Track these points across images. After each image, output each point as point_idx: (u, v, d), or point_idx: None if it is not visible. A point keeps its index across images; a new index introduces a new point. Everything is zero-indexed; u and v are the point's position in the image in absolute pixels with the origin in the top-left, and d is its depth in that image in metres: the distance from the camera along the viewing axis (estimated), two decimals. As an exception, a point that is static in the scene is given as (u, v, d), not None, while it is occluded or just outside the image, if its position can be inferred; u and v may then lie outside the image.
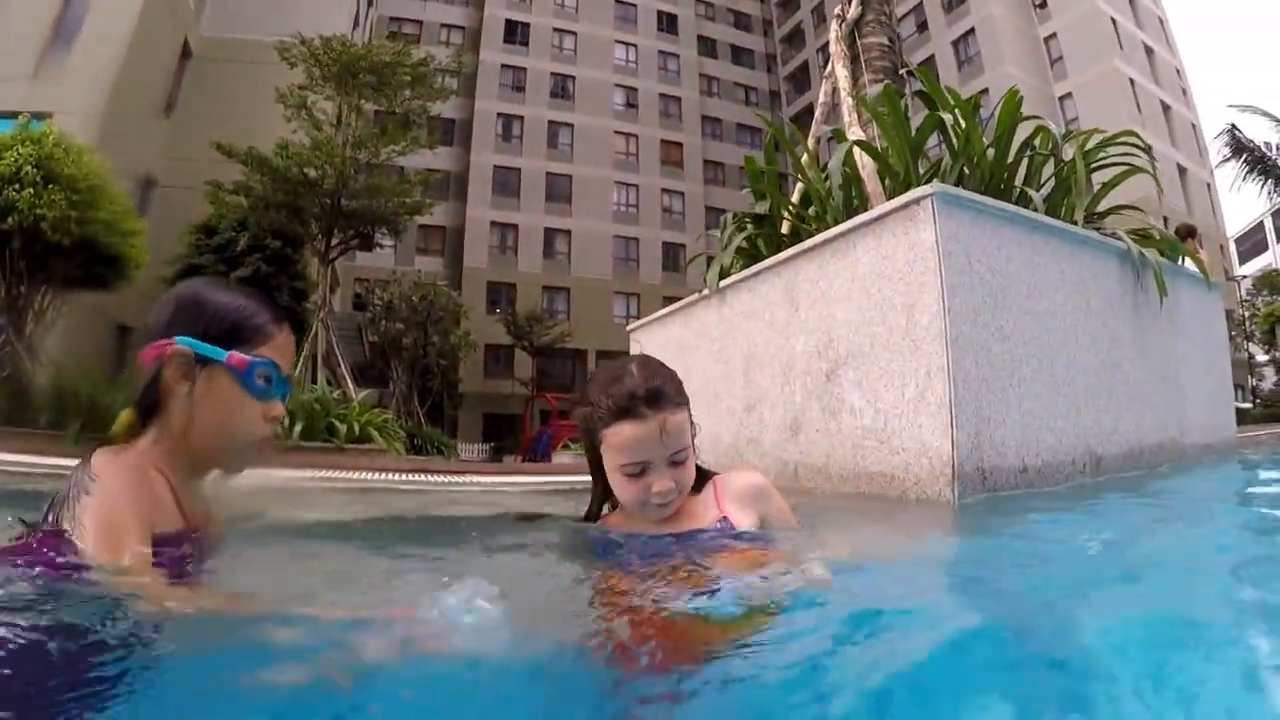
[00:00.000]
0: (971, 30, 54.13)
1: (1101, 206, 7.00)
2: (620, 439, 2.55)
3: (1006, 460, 4.75)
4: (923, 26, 57.83)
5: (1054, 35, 52.31)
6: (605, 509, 2.91)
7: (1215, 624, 1.94)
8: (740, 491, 2.73)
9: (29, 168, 20.69)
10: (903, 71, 9.34)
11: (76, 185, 21.20)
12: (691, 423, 2.67)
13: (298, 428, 15.86)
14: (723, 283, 7.40)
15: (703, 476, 2.75)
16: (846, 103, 8.50)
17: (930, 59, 55.65)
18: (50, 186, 20.73)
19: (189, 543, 2.13)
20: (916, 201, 5.01)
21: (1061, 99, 50.71)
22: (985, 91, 47.72)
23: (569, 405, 49.52)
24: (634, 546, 2.56)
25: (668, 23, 73.09)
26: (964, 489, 4.48)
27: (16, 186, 20.45)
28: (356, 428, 17.97)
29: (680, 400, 2.63)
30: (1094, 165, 6.94)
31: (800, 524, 2.90)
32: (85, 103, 29.47)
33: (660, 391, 2.59)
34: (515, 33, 68.17)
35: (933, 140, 6.80)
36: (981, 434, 4.67)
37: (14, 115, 25.96)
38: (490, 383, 55.75)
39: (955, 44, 55.32)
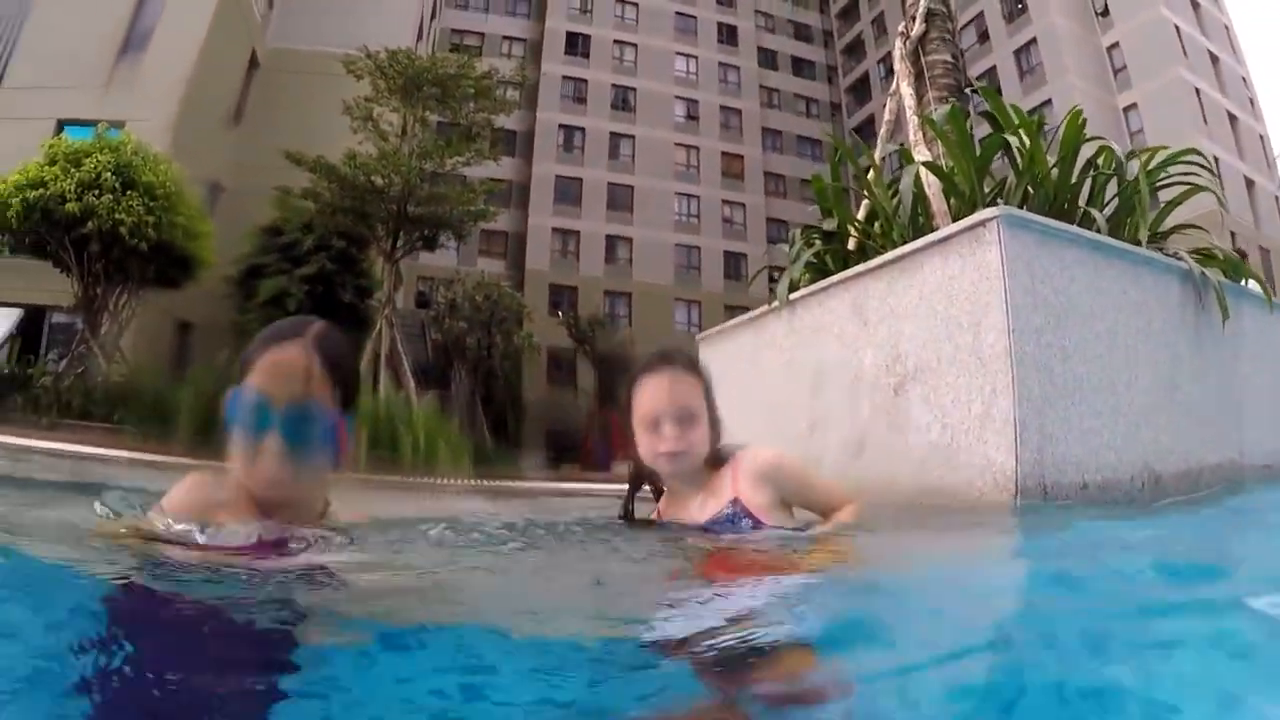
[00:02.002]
0: (1033, 40, 53.47)
1: (1165, 225, 7.04)
2: (638, 393, 3.07)
3: (1068, 477, 4.84)
4: (984, 37, 57.25)
5: (1116, 44, 51.42)
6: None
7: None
8: (754, 470, 3.04)
9: (108, 174, 21.22)
10: (968, 90, 9.41)
11: (154, 192, 21.70)
12: (709, 397, 3.11)
13: (363, 437, 15.96)
14: (792, 296, 7.52)
15: (725, 454, 3.12)
16: (912, 121, 8.58)
17: (992, 70, 55.12)
18: (129, 193, 21.25)
19: (260, 539, 2.29)
20: (983, 223, 5.14)
21: (1125, 110, 49.82)
22: (1048, 103, 47.67)
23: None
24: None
25: (728, 34, 73.02)
26: (1025, 503, 4.59)
27: (96, 192, 20.98)
28: (421, 440, 18.08)
29: (691, 369, 3.13)
30: (1157, 184, 7.01)
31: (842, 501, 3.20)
32: (157, 112, 30.11)
33: (671, 355, 3.18)
34: (576, 45, 68.41)
35: (997, 157, 6.90)
36: (1044, 451, 4.77)
37: (90, 123, 26.62)
38: (552, 390, 55.84)
39: (1017, 54, 54.70)
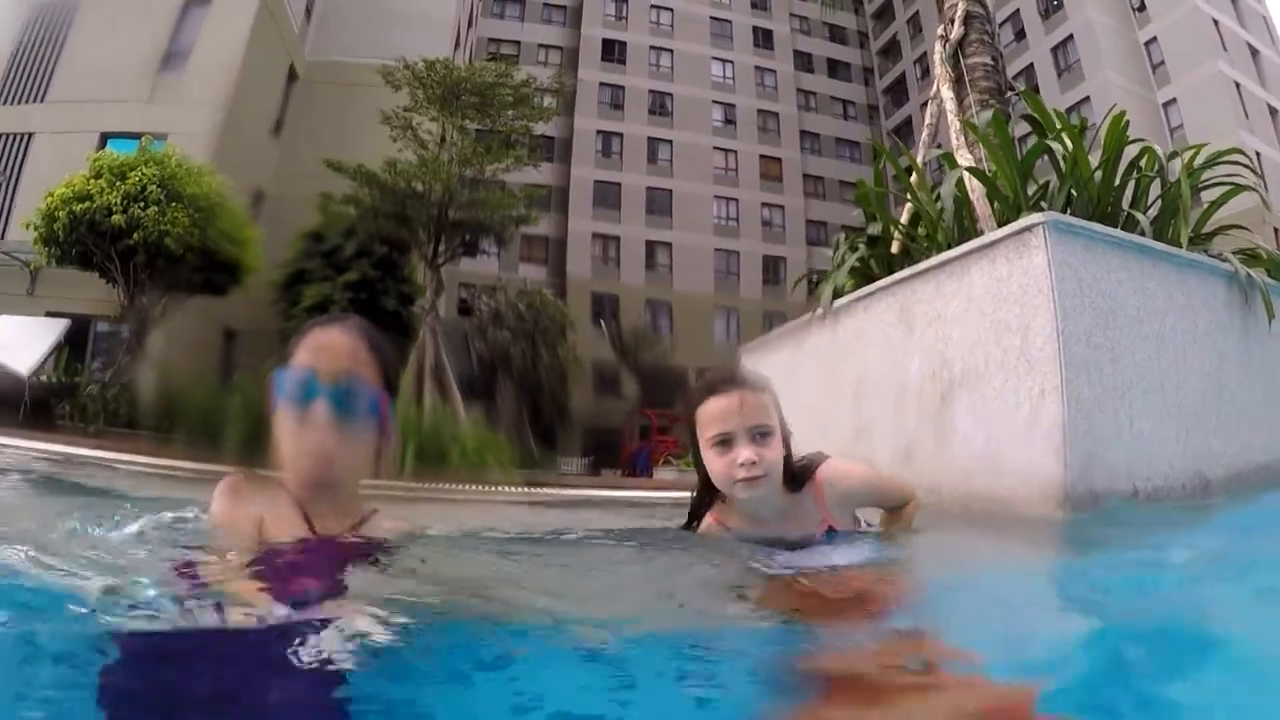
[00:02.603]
0: (1070, 37, 52.85)
1: (1209, 226, 7.03)
2: (707, 414, 2.88)
3: (1118, 483, 4.84)
4: (1020, 35, 56.72)
5: (1154, 39, 50.67)
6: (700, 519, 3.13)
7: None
8: (840, 493, 3.02)
9: (153, 187, 21.46)
10: (1009, 94, 9.40)
11: (199, 203, 21.97)
12: (779, 414, 2.94)
13: (409, 450, 15.95)
14: (836, 303, 7.55)
15: (805, 474, 2.99)
16: (953, 125, 8.58)
17: (1029, 68, 54.67)
18: (173, 204, 21.49)
19: (308, 546, 2.32)
20: (1029, 228, 5.16)
21: (1165, 105, 49.17)
22: (1086, 100, 47.37)
23: (669, 421, 49.61)
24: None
25: (763, 38, 72.88)
26: (1075, 511, 4.57)
27: (142, 204, 21.22)
28: (470, 455, 18.09)
29: (760, 386, 2.93)
30: (1200, 184, 7.00)
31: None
32: (199, 125, 30.43)
33: (738, 374, 2.97)
34: (613, 51, 68.51)
35: (1039, 159, 6.91)
36: (1094, 456, 4.77)
37: (133, 136, 26.91)
38: (595, 398, 55.89)
39: (1054, 51, 54.09)
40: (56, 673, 1.86)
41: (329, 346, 2.41)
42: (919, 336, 6.16)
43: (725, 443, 2.82)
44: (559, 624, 2.13)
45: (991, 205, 6.84)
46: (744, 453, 2.77)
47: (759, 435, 2.82)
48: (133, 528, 2.57)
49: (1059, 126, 6.89)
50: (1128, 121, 6.58)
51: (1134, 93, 47.81)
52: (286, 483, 2.40)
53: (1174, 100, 48.67)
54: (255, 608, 1.94)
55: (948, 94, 9.05)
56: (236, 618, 1.89)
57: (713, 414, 2.86)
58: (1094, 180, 6.48)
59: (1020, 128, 7.97)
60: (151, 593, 1.94)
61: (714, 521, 3.03)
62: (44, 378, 20.44)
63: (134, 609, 1.88)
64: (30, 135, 31.88)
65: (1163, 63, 49.94)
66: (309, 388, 2.32)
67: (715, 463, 2.85)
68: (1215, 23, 49.46)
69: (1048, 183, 6.95)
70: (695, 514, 3.12)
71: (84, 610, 1.86)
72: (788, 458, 2.94)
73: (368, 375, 2.41)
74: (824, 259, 9.25)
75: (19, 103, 32.88)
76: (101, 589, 1.95)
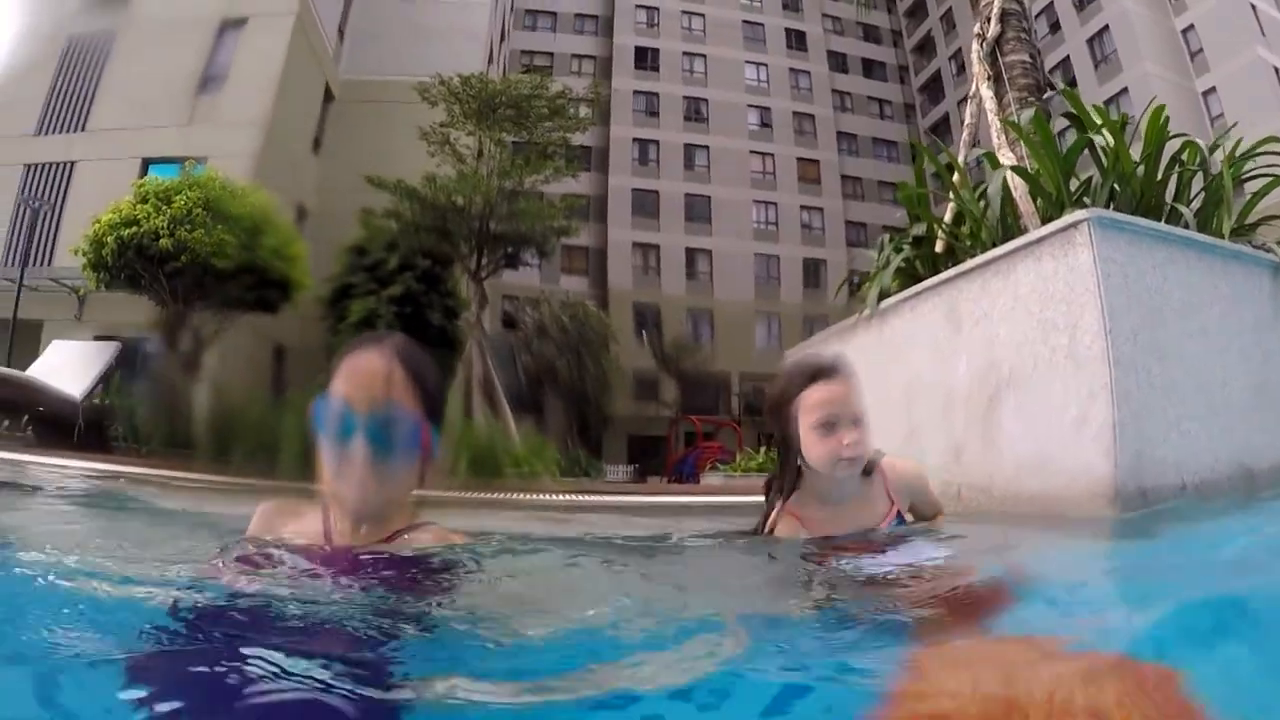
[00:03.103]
0: (1106, 28, 52.21)
1: (1252, 217, 7.00)
2: (814, 398, 3.07)
3: (1166, 479, 4.84)
4: (1055, 27, 56.13)
5: (1191, 27, 49.85)
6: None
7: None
8: (905, 482, 3.33)
9: (199, 210, 21.73)
10: (1048, 95, 9.38)
11: (243, 223, 22.24)
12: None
13: (463, 462, 16.03)
14: (882, 304, 7.57)
15: (873, 462, 3.24)
16: (993, 123, 8.58)
17: (1065, 60, 54.20)
18: (219, 226, 21.76)
19: (329, 554, 2.38)
20: (1074, 225, 5.17)
21: (1205, 94, 48.48)
22: (1124, 91, 47.07)
23: (714, 428, 49.59)
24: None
25: (796, 40, 72.73)
26: (1125, 508, 4.60)
27: (189, 227, 21.47)
28: (523, 467, 18.22)
29: (854, 375, 3.15)
30: (1243, 176, 6.98)
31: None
32: (239, 145, 30.70)
33: (840, 363, 3.17)
34: (646, 59, 68.63)
35: (1081, 155, 6.92)
36: (1143, 453, 4.78)
37: (174, 160, 27.25)
38: (636, 405, 55.96)
39: (1090, 42, 53.49)
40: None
41: (365, 374, 2.38)
42: (966, 336, 6.17)
43: (830, 425, 3.02)
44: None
45: (1035, 202, 6.85)
46: (849, 435, 3.00)
47: (858, 420, 3.05)
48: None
49: (1100, 122, 6.89)
50: (1168, 117, 6.57)
51: (1172, 82, 47.33)
52: (330, 500, 2.46)
53: (1213, 88, 48.00)
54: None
55: (987, 93, 9.04)
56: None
57: (820, 399, 3.06)
58: (1136, 175, 6.48)
59: (1060, 124, 7.97)
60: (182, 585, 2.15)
61: (790, 515, 3.20)
62: (96, 400, 20.68)
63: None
64: (73, 164, 32.32)
65: (1201, 50, 49.28)
66: (346, 422, 2.31)
67: (818, 444, 3.04)
68: (1253, 7, 48.75)
69: (1090, 178, 6.95)
70: (775, 494, 3.30)
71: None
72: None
73: (406, 401, 2.38)
74: (865, 260, 9.28)
75: (60, 132, 33.32)
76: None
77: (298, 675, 1.69)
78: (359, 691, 1.67)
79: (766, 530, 3.28)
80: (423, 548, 2.47)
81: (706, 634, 2.10)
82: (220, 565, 2.35)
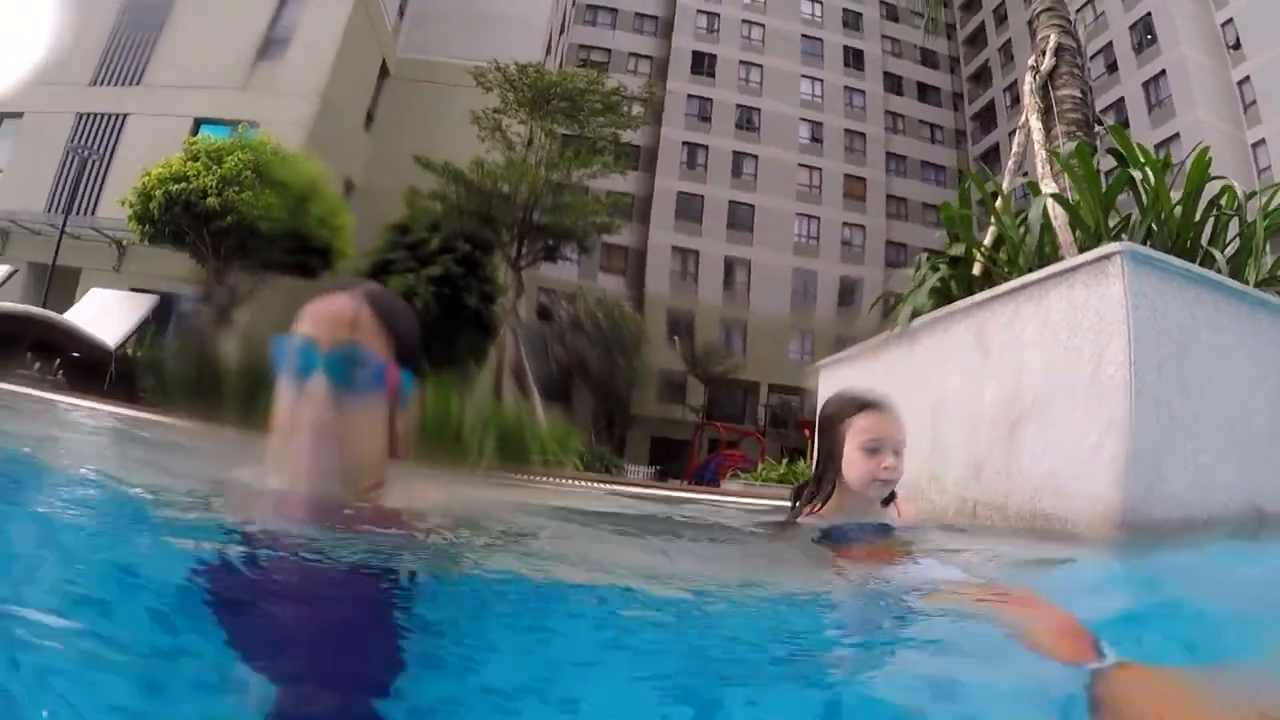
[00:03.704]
0: (1162, 72, 51.94)
1: (1286, 267, 7.05)
2: (864, 423, 3.49)
3: (1174, 512, 4.92)
4: (1112, 68, 55.93)
5: (1247, 79, 49.64)
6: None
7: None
8: (910, 518, 3.89)
9: (248, 172, 21.97)
10: (1097, 128, 9.44)
11: (292, 190, 22.46)
12: None
13: (490, 441, 16.01)
14: (914, 323, 7.65)
15: (893, 494, 3.67)
16: (1040, 154, 8.65)
17: (1120, 101, 54.00)
18: (266, 190, 21.99)
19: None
20: (1107, 257, 5.24)
21: (1254, 145, 48.40)
22: (1176, 136, 46.81)
23: (738, 436, 49.57)
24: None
25: (854, 59, 72.69)
26: (1130, 538, 4.70)
27: (236, 188, 21.73)
28: (550, 452, 18.31)
29: (899, 414, 3.60)
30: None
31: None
32: (291, 115, 30.89)
33: (889, 401, 3.62)
34: (702, 64, 68.77)
35: (1123, 193, 7.00)
36: (1154, 487, 4.86)
37: (227, 123, 27.53)
38: (661, 406, 56.00)
39: (1145, 86, 53.25)
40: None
41: (330, 314, 2.28)
42: (995, 361, 6.26)
43: (874, 450, 3.44)
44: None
45: (1074, 233, 6.93)
46: (890, 459, 3.44)
47: (898, 449, 3.49)
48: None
49: (1143, 160, 6.97)
50: (1210, 160, 6.65)
51: (1224, 131, 47.06)
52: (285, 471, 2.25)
53: (1263, 141, 47.77)
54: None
55: (1036, 124, 9.10)
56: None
57: (870, 424, 3.49)
58: (1174, 214, 6.56)
59: (1106, 162, 8.04)
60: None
61: (817, 517, 3.62)
62: (129, 351, 20.90)
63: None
64: (125, 117, 32.68)
65: (1254, 102, 48.95)
66: (306, 357, 2.20)
67: (860, 463, 3.46)
68: (1310, 62, 48.49)
69: (1129, 215, 7.03)
70: (805, 501, 3.72)
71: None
72: None
73: (373, 342, 2.25)
74: (901, 281, 9.35)
75: (115, 84, 33.64)
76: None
77: (271, 660, 1.74)
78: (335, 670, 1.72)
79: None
80: (403, 502, 2.35)
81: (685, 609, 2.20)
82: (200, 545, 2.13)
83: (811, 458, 12.04)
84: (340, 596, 1.96)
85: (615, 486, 11.65)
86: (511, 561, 2.37)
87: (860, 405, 3.55)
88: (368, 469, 2.30)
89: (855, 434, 3.46)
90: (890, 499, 3.65)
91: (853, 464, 3.46)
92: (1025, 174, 9.13)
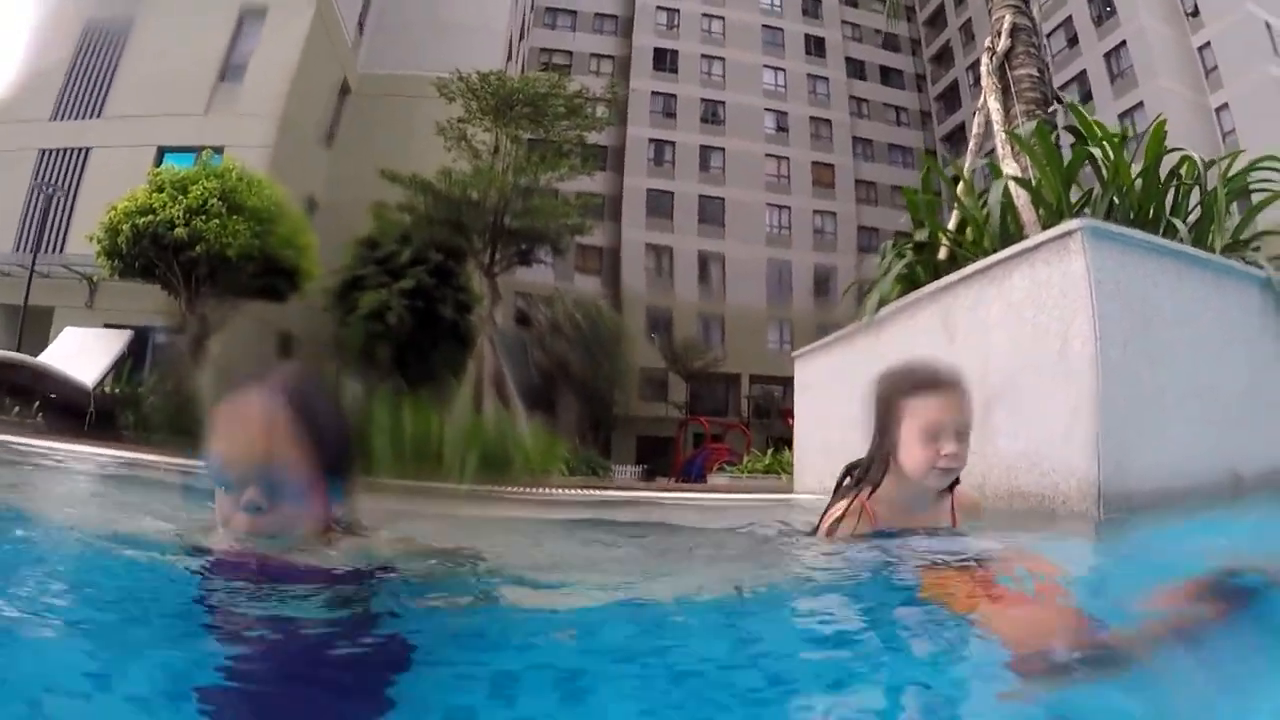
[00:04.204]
0: (1123, 43, 51.96)
1: (1247, 232, 7.12)
2: (921, 404, 2.99)
3: (1150, 482, 4.98)
4: (1073, 41, 55.91)
5: (1207, 44, 49.59)
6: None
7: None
8: (968, 508, 3.27)
9: (214, 200, 21.94)
10: (1053, 109, 9.51)
11: (259, 216, 22.46)
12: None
13: (472, 458, 15.86)
14: (879, 312, 7.71)
15: (956, 481, 3.18)
16: (1000, 135, 8.72)
17: (1082, 74, 54.05)
18: (234, 217, 21.97)
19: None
20: (1068, 234, 5.31)
21: (1218, 110, 48.47)
22: (1140, 105, 47.00)
23: (722, 429, 49.61)
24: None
25: (815, 46, 72.63)
26: (1108, 510, 4.75)
27: (204, 217, 21.69)
28: (533, 461, 18.23)
29: (966, 387, 3.08)
30: (1247, 189, 7.11)
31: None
32: (254, 136, 30.85)
33: (953, 373, 3.09)
34: (664, 60, 68.65)
35: (1084, 167, 7.06)
36: (1128, 458, 4.92)
37: (190, 150, 27.47)
38: (644, 405, 55.99)
39: (1107, 57, 53.23)
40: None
41: (241, 428, 2.12)
42: (961, 344, 6.32)
43: (933, 434, 2.95)
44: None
45: (1037, 211, 6.99)
46: (950, 446, 2.94)
47: (962, 433, 2.99)
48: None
49: (1100, 135, 7.03)
50: (1166, 132, 6.72)
51: (1187, 98, 47.29)
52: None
53: (1226, 105, 47.87)
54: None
55: (994, 105, 9.19)
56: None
57: (928, 405, 2.99)
58: (1135, 187, 6.62)
59: (1066, 139, 8.10)
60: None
61: (865, 509, 3.14)
62: (107, 388, 20.85)
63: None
64: (87, 150, 32.49)
65: (1215, 68, 49.10)
66: (223, 481, 2.13)
67: (917, 450, 2.99)
68: (1268, 26, 48.73)
69: (1091, 190, 7.10)
70: (853, 485, 3.26)
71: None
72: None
73: (292, 458, 2.10)
74: (874, 267, 9.41)
75: (76, 118, 33.49)
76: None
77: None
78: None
79: (834, 519, 3.19)
80: (349, 552, 2.33)
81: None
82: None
83: (794, 448, 12.05)
84: (315, 648, 1.97)
85: (602, 493, 11.68)
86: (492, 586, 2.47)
87: (917, 384, 3.07)
88: (310, 535, 2.26)
89: (912, 415, 3.00)
90: (950, 486, 3.16)
91: (909, 450, 3.01)
92: (988, 155, 9.19)
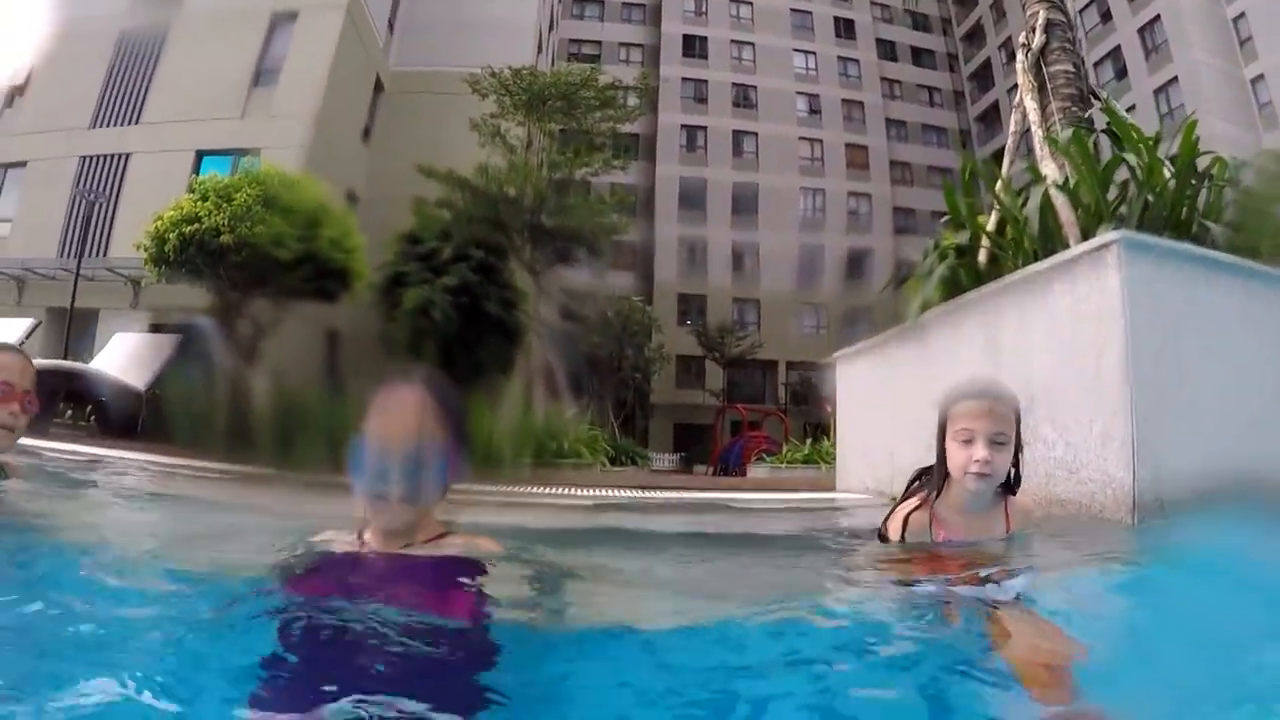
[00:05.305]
0: (1157, 17, 51.55)
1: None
2: (958, 410, 3.34)
3: (1183, 491, 5.13)
4: (1106, 16, 55.57)
5: (1242, 15, 49.16)
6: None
7: None
8: (1023, 518, 3.57)
9: (258, 207, 22.16)
10: (1089, 114, 9.52)
11: (305, 220, 22.64)
12: (1019, 437, 3.38)
13: (523, 454, 15.99)
14: (923, 315, 7.84)
15: (1011, 488, 3.48)
16: (1037, 135, 8.77)
17: (1116, 49, 53.52)
18: (277, 219, 22.19)
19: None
20: (1105, 246, 5.45)
21: (1253, 81, 48.01)
22: (1174, 80, 46.55)
23: (760, 416, 49.54)
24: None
25: (845, 28, 72.26)
26: (1142, 517, 4.96)
27: (249, 224, 21.91)
28: (585, 455, 18.43)
29: (1009, 400, 3.39)
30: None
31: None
32: (291, 137, 30.96)
33: (994, 387, 3.46)
34: (694, 47, 68.53)
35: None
36: (1161, 466, 5.10)
37: (228, 153, 27.75)
38: (681, 393, 56.02)
39: (1141, 32, 52.68)
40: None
41: (398, 416, 2.49)
42: (1002, 353, 6.47)
43: (968, 440, 3.28)
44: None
45: (1075, 212, 7.10)
46: (981, 452, 3.24)
47: (997, 442, 3.26)
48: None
49: (1135, 139, 7.14)
50: (1198, 137, 6.82)
51: (1221, 70, 46.82)
52: (366, 520, 2.62)
53: (1261, 76, 47.38)
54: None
55: (1031, 104, 9.22)
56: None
57: (963, 411, 3.33)
58: (1168, 188, 6.74)
59: (1105, 141, 8.18)
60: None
61: (928, 512, 3.50)
62: (158, 391, 21.06)
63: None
64: (127, 156, 32.74)
65: (1250, 38, 48.60)
66: (382, 465, 2.44)
67: (956, 453, 3.33)
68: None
69: (1126, 183, 7.22)
70: (920, 488, 3.65)
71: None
72: (1013, 468, 3.42)
73: (438, 437, 2.51)
74: (912, 247, 9.53)
75: (115, 125, 33.79)
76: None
77: (348, 679, 1.91)
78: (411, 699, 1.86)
79: (900, 520, 3.55)
80: (460, 551, 2.63)
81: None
82: (276, 574, 2.54)
83: (835, 447, 12.21)
84: (419, 642, 2.15)
85: (649, 494, 11.78)
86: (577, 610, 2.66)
87: (959, 395, 3.43)
88: (430, 522, 2.63)
89: (953, 420, 3.36)
90: (1010, 490, 3.49)
91: (951, 454, 3.36)
92: (1026, 154, 9.25)
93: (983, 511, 3.45)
